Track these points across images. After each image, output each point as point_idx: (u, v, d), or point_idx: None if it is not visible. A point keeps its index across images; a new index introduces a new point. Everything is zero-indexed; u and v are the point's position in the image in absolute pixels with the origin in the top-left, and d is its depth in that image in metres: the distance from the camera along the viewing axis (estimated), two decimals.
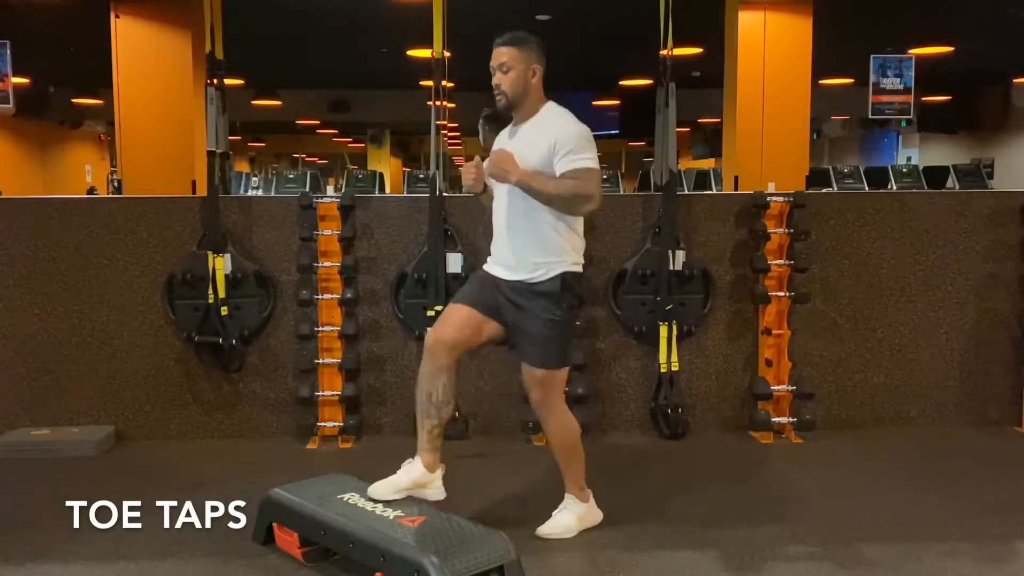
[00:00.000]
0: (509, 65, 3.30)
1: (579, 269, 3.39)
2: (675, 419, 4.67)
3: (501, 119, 3.60)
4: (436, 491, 3.32)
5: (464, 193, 3.57)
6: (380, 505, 3.15)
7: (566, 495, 3.50)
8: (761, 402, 4.69)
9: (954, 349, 4.93)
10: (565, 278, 3.29)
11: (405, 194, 9.00)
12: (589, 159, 3.23)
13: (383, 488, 3.25)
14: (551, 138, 3.25)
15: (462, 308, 3.36)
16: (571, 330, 3.53)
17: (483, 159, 3.45)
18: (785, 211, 4.79)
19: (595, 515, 3.54)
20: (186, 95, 6.58)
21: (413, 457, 3.34)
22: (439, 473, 3.34)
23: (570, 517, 3.46)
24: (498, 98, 3.35)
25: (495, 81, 3.33)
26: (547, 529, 3.44)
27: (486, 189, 3.46)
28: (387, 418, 4.81)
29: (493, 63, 3.33)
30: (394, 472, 3.31)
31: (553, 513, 3.47)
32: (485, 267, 3.48)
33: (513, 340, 3.39)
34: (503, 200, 3.38)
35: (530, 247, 3.30)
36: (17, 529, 3.56)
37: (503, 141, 3.45)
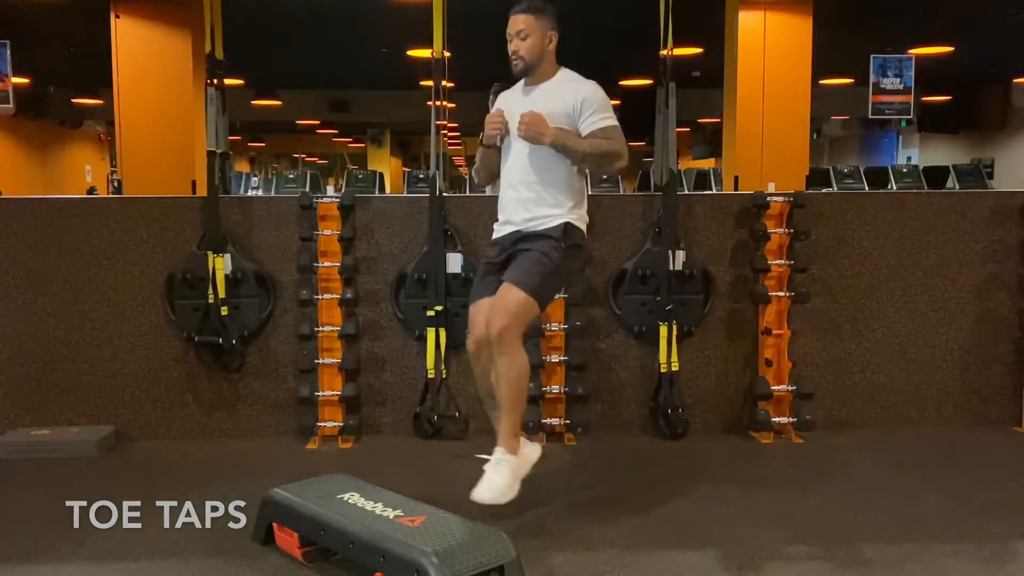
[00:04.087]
0: (527, 32, 3.44)
1: (583, 225, 3.50)
2: (675, 419, 4.67)
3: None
4: (532, 454, 3.51)
5: (483, 144, 3.62)
6: (380, 505, 3.15)
7: (496, 449, 3.36)
8: (761, 402, 4.69)
9: (954, 349, 4.93)
10: (567, 226, 3.41)
11: (405, 194, 9.01)
12: (612, 118, 3.41)
13: (489, 495, 3.27)
14: (574, 98, 3.39)
15: (480, 304, 3.48)
16: (560, 276, 3.53)
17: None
18: (785, 211, 4.79)
19: (530, 456, 3.48)
20: (186, 95, 6.59)
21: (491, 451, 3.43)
22: (525, 446, 3.49)
23: (503, 475, 3.31)
24: (515, 63, 3.49)
25: (512, 47, 3.47)
26: (484, 495, 3.27)
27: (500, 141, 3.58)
28: (387, 418, 4.81)
29: (510, 30, 3.47)
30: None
31: (485, 472, 3.32)
32: (494, 235, 3.59)
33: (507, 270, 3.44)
34: (520, 156, 3.48)
35: (542, 200, 3.43)
36: (17, 529, 3.55)
37: (516, 98, 3.56)
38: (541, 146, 3.38)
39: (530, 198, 3.45)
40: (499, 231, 3.57)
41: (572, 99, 3.41)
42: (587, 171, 3.54)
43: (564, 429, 4.71)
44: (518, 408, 3.42)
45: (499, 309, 3.33)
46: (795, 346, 4.79)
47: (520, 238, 3.46)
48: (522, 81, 3.59)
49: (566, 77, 3.53)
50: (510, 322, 3.31)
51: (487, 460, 3.38)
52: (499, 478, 3.32)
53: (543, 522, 3.51)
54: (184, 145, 6.54)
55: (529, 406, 4.60)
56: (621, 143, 3.41)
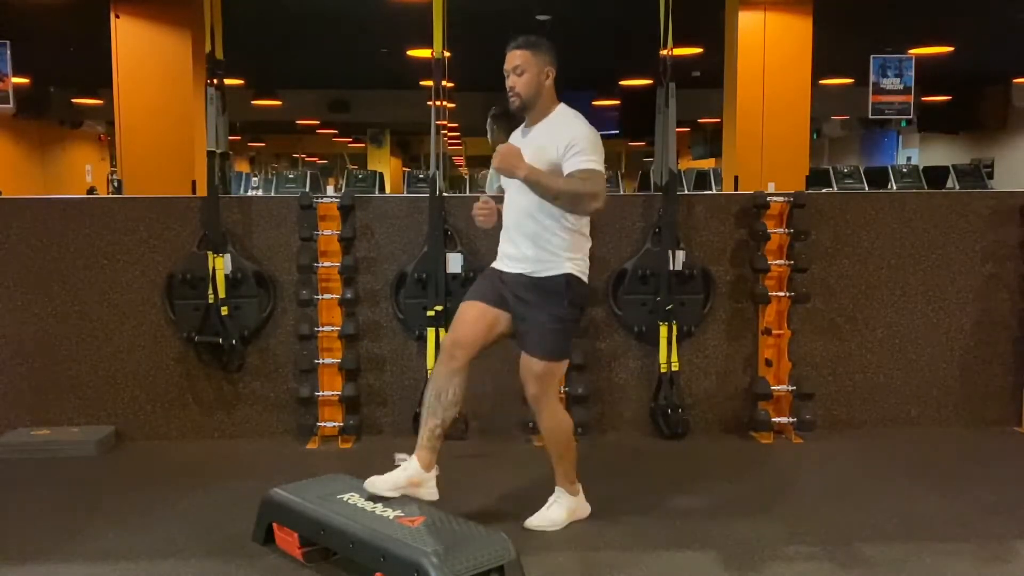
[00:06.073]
0: (523, 68, 3.39)
1: (583, 275, 3.45)
2: (675, 419, 4.67)
3: (510, 117, 3.65)
4: (429, 492, 3.31)
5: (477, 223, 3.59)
6: (380, 505, 3.15)
7: (556, 488, 3.56)
8: (761, 402, 4.69)
9: (954, 349, 4.93)
10: (569, 279, 3.38)
11: (405, 194, 9.01)
12: (595, 161, 3.31)
13: (380, 483, 3.26)
14: (563, 139, 3.32)
15: (473, 305, 3.45)
16: (572, 328, 3.55)
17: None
18: (785, 211, 4.79)
19: (584, 508, 3.62)
20: (186, 95, 6.59)
21: (410, 454, 3.36)
22: (433, 474, 3.34)
23: (560, 511, 3.54)
24: (512, 99, 3.45)
25: (509, 83, 3.42)
26: (536, 521, 3.50)
27: (500, 217, 3.54)
28: (387, 418, 4.82)
29: (507, 66, 3.42)
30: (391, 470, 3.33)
31: (544, 506, 3.54)
32: (493, 264, 3.56)
33: (516, 331, 3.45)
34: (511, 197, 3.46)
35: (534, 244, 3.38)
36: (17, 529, 3.55)
37: (516, 141, 3.52)
38: (534, 194, 3.30)
39: (523, 240, 3.40)
40: (500, 263, 3.51)
41: (561, 140, 3.32)
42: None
43: None
44: (566, 457, 3.55)
45: (528, 376, 3.43)
46: (795, 346, 4.79)
47: (523, 286, 3.39)
48: (526, 120, 3.52)
49: (560, 117, 3.44)
50: (541, 388, 3.43)
51: (404, 460, 3.36)
52: (554, 512, 3.53)
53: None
54: (184, 145, 6.54)
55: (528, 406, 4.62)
56: (597, 186, 3.27)
